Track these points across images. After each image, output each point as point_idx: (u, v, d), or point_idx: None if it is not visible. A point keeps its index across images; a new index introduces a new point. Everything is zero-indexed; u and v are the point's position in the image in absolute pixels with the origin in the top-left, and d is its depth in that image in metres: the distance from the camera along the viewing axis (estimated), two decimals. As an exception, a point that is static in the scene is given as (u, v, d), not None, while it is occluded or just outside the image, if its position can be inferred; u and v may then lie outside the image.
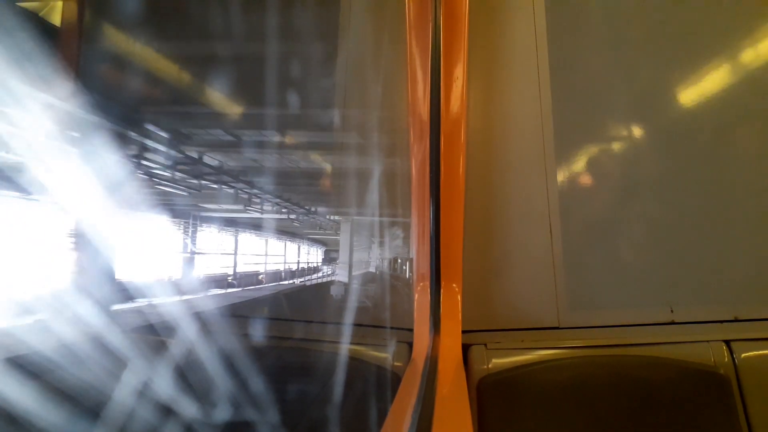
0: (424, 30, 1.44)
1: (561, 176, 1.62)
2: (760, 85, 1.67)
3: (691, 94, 1.69)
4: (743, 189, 1.62)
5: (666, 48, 1.68)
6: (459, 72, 1.52)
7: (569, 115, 1.64)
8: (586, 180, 1.65)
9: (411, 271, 1.56)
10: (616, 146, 1.68)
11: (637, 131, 1.68)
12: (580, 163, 1.67)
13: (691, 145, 1.65)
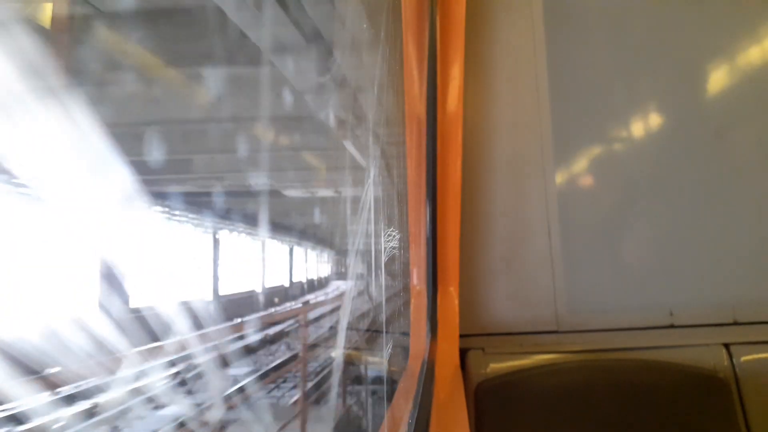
0: (420, 29, 1.42)
1: (560, 178, 1.60)
2: (762, 86, 1.65)
3: (690, 95, 1.68)
4: (743, 192, 1.61)
5: (666, 48, 1.67)
6: (456, 72, 1.51)
7: (568, 116, 1.62)
8: (584, 182, 1.64)
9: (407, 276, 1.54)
10: (616, 148, 1.67)
11: (636, 133, 1.67)
12: (578, 165, 1.66)
13: (691, 148, 1.63)
